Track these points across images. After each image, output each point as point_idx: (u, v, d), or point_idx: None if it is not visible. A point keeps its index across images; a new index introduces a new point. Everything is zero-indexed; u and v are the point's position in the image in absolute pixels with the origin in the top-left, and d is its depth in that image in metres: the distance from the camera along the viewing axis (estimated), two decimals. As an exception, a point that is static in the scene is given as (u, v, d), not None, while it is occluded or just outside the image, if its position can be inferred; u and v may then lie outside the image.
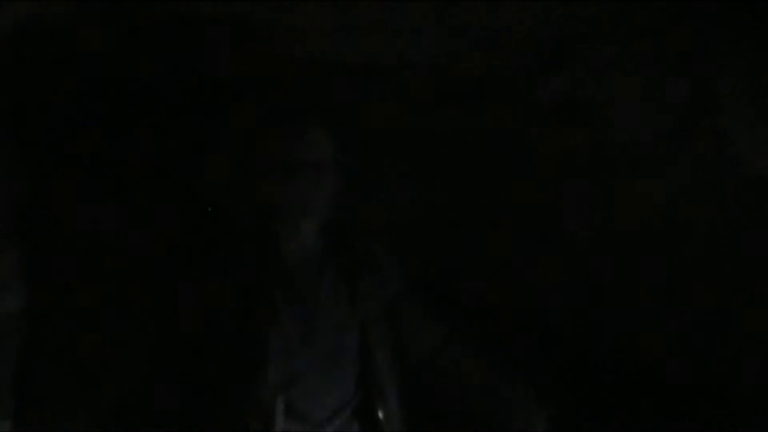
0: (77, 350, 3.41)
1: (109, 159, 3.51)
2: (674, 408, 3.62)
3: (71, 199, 3.48)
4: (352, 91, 3.39)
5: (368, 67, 3.32)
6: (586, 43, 3.15)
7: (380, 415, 2.97)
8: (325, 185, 2.92)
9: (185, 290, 2.95)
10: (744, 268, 3.40)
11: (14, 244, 3.36)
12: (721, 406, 3.54)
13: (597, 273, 3.62)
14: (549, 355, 3.68)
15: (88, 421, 3.38)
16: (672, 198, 3.38)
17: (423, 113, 3.46)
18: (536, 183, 3.52)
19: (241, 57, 3.32)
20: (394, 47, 3.23)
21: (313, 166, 2.88)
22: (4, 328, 3.30)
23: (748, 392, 3.49)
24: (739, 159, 3.20)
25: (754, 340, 3.46)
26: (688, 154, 3.26)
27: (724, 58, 3.08)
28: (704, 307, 3.50)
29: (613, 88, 3.24)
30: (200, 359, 2.90)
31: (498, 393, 3.06)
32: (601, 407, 3.65)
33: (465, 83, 3.34)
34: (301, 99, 3.31)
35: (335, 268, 2.98)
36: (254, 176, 2.93)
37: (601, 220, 3.52)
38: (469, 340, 3.12)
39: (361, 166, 3.12)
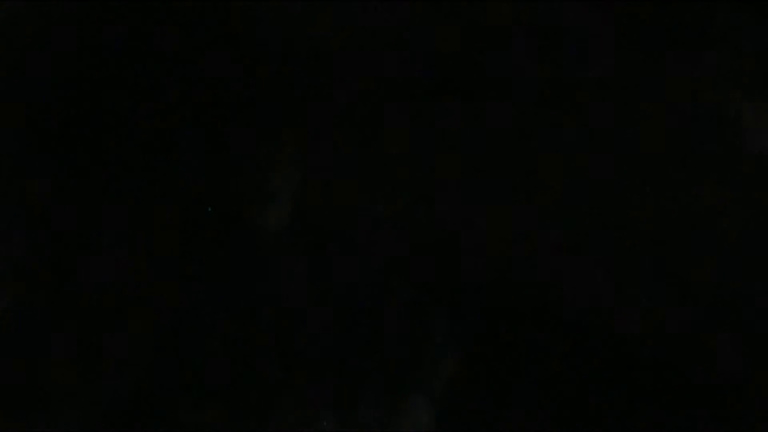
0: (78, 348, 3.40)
1: (104, 155, 3.51)
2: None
3: (72, 194, 3.49)
4: (346, 81, 3.40)
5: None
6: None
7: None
8: None
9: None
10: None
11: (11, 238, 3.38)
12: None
13: (596, 254, 3.64)
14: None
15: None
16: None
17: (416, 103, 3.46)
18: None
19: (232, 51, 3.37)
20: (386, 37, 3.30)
21: None
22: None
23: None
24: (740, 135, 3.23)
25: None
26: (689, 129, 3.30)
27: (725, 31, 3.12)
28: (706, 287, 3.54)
29: (610, 65, 3.26)
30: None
31: None
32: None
33: (458, 70, 3.37)
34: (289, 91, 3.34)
35: None
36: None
37: (603, 199, 3.53)
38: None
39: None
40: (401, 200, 3.41)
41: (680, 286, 3.50)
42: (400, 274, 3.16)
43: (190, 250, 3.21)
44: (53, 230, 3.40)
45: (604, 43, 3.25)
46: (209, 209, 3.33)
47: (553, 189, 3.50)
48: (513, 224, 3.53)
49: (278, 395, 3.03)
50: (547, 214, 3.52)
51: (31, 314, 3.34)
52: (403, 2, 3.27)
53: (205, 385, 2.98)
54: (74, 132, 3.46)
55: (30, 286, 3.35)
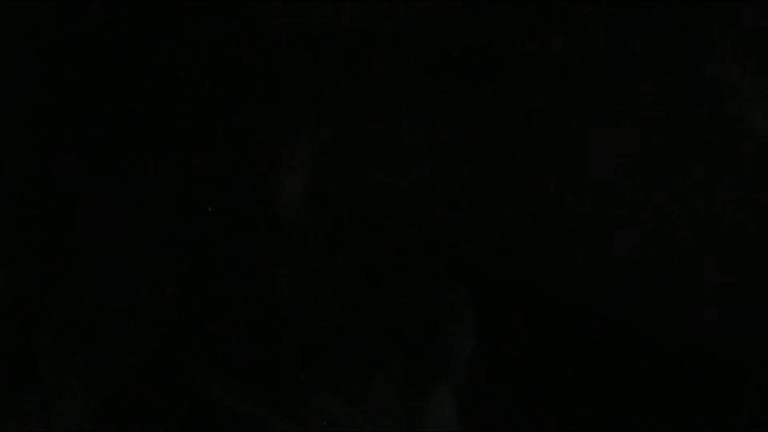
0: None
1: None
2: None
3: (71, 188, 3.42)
4: (349, 63, 3.34)
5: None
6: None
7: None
8: None
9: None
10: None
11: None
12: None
13: (603, 242, 3.59)
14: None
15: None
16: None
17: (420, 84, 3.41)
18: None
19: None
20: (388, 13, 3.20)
21: None
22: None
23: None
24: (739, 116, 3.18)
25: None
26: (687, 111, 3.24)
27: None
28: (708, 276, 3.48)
29: (609, 47, 3.22)
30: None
31: None
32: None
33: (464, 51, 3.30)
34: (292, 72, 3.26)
35: None
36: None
37: (601, 183, 3.48)
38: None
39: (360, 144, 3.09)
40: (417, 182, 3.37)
41: (687, 275, 3.45)
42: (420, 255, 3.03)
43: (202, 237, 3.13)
44: (52, 231, 3.34)
45: (605, 21, 3.19)
46: (209, 209, 3.26)
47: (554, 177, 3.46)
48: (535, 206, 3.50)
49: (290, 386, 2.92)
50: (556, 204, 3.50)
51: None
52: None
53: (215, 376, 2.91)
54: (75, 129, 3.39)
55: (25, 287, 3.29)
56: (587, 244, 3.53)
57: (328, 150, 3.13)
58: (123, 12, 3.30)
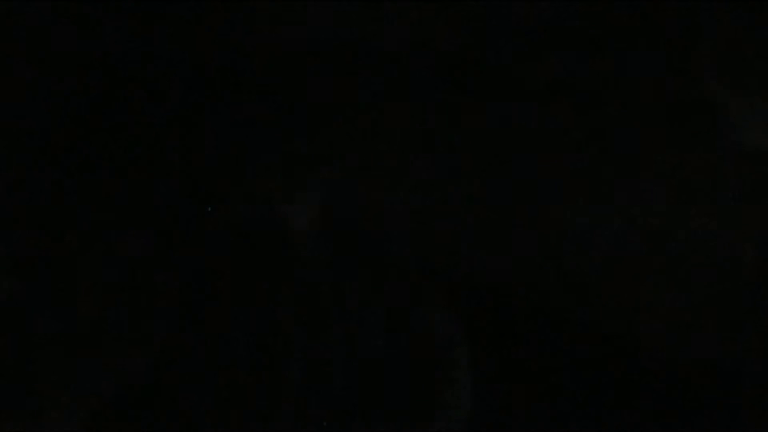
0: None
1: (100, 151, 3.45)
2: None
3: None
4: (339, 82, 3.36)
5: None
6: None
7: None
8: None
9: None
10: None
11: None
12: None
13: (595, 259, 3.62)
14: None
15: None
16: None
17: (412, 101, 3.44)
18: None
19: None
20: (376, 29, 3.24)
21: None
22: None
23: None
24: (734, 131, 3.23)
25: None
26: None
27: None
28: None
29: (603, 66, 3.26)
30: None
31: None
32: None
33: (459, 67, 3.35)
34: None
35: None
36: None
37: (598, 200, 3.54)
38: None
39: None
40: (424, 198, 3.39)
41: (681, 282, 3.50)
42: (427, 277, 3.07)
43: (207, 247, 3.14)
44: (51, 231, 3.32)
45: (595, 40, 3.25)
46: (209, 209, 3.27)
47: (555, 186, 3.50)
48: (538, 224, 3.54)
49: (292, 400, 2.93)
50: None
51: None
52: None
53: (216, 386, 2.92)
54: (76, 130, 3.39)
55: (26, 289, 3.26)
56: (584, 256, 3.57)
57: (328, 170, 3.15)
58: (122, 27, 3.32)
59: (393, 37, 3.21)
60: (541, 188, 3.50)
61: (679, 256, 3.48)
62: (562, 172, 3.47)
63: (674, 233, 3.45)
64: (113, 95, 3.38)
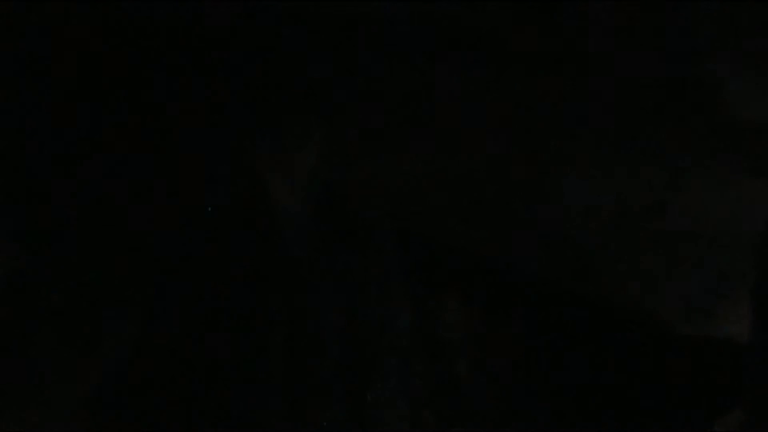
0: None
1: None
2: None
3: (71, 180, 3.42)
4: (341, 48, 3.30)
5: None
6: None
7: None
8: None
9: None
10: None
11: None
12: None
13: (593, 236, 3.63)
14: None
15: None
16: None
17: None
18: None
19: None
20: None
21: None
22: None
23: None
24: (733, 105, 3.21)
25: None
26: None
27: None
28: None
29: (605, 36, 3.23)
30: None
31: None
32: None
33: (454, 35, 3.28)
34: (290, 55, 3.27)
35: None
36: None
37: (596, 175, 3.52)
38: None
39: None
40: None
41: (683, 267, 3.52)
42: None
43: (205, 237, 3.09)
44: (51, 233, 3.31)
45: (601, 18, 3.21)
46: (209, 209, 3.23)
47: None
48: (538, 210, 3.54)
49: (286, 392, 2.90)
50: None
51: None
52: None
53: (209, 380, 2.88)
54: (76, 129, 3.36)
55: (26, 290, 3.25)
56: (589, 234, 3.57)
57: (327, 146, 3.14)
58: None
59: (390, 8, 3.20)
60: (538, 159, 3.49)
61: (677, 230, 3.48)
62: (559, 147, 3.46)
63: (672, 208, 3.45)
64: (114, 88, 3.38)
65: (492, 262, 3.66)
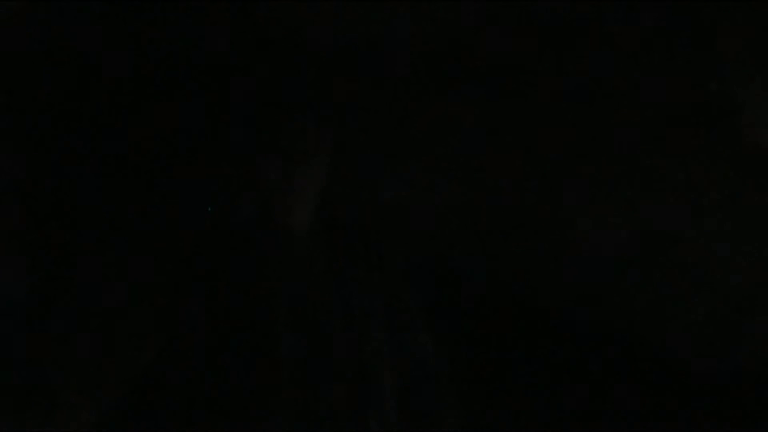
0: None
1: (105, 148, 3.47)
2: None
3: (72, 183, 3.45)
4: (352, 77, 3.33)
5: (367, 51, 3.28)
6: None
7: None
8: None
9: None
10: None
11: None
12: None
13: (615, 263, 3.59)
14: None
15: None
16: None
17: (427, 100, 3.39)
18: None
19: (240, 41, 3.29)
20: (394, 27, 3.20)
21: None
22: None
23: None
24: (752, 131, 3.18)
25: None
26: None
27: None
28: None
29: (615, 65, 3.21)
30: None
31: None
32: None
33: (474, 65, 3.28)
34: (300, 87, 3.26)
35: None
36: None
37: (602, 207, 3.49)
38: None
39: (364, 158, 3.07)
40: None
41: (685, 281, 3.48)
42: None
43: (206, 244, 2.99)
44: (51, 233, 3.34)
45: (604, 35, 3.20)
46: (209, 209, 3.27)
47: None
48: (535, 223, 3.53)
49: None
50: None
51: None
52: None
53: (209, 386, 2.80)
54: (76, 130, 3.40)
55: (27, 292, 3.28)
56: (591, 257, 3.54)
57: (332, 161, 3.13)
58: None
59: (395, 36, 3.21)
60: (545, 190, 3.48)
61: (692, 259, 3.43)
62: (567, 173, 3.44)
63: (687, 236, 3.41)
64: (121, 89, 3.40)
65: (505, 289, 3.65)
